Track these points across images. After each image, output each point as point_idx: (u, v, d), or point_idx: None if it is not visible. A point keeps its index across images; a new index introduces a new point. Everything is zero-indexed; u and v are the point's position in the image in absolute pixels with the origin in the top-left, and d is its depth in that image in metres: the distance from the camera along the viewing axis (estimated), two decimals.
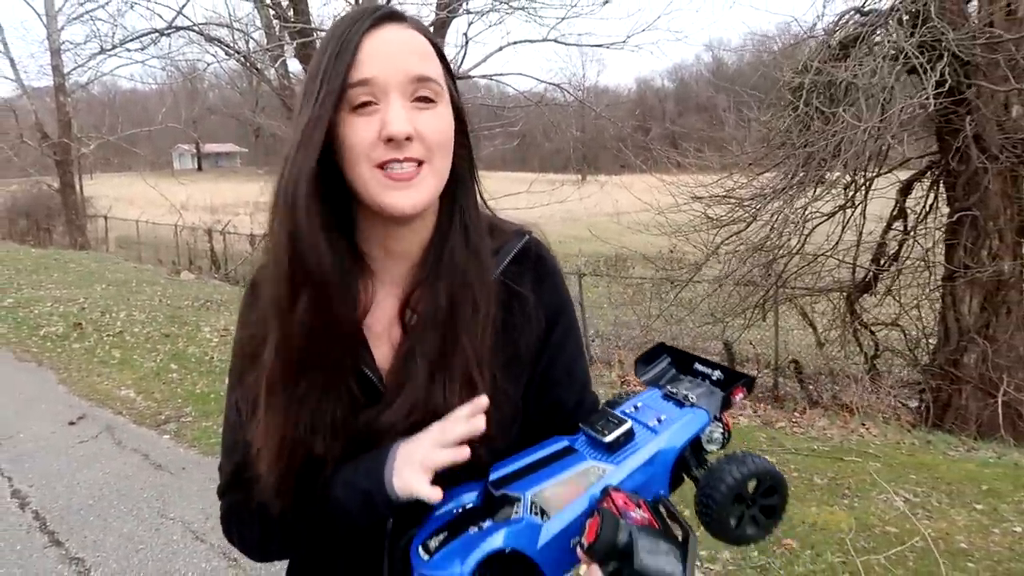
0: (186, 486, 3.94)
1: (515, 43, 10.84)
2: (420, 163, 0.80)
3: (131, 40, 11.56)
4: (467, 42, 9.72)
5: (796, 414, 6.30)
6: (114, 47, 11.89)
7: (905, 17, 6.10)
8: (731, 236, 7.36)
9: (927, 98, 5.51)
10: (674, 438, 0.80)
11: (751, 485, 0.77)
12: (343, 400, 0.84)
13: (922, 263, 6.98)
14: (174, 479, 4.03)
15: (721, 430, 0.84)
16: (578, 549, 0.73)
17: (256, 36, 12.60)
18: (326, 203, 0.81)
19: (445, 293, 0.86)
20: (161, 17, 11.15)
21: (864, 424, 5.61)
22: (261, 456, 0.84)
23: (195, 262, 17.40)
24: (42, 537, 3.37)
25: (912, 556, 3.11)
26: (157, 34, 11.27)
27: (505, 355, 0.89)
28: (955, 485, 3.90)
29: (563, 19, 10.34)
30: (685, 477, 0.83)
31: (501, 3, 10.11)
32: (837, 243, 7.19)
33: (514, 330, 0.91)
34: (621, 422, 0.81)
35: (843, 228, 7.17)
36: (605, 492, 0.76)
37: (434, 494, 0.76)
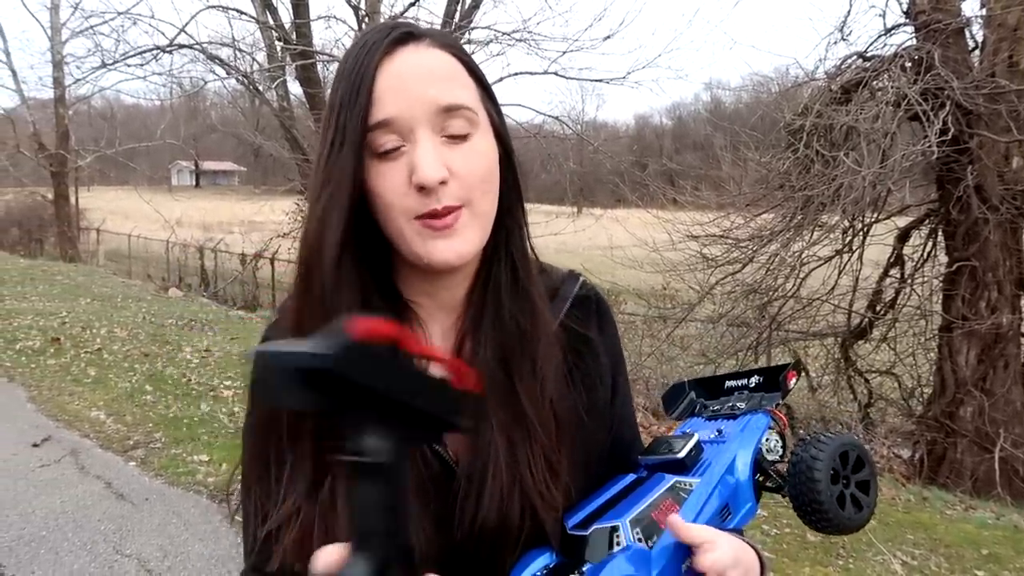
0: (147, 519, 3.73)
1: (515, 74, 10.82)
2: (460, 207, 0.68)
3: (132, 55, 11.55)
4: None
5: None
6: (115, 61, 11.88)
7: (908, 64, 6.06)
8: (726, 276, 7.24)
9: (930, 146, 5.43)
10: (745, 441, 0.76)
11: (841, 460, 0.73)
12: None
13: (918, 312, 6.87)
14: (135, 510, 3.82)
15: (777, 438, 0.79)
16: None
17: (259, 57, 12.59)
18: (361, 260, 0.69)
19: (494, 348, 0.73)
20: (163, 34, 11.11)
21: None
22: (297, 546, 0.67)
23: (185, 279, 17.22)
24: None
25: None
26: (158, 51, 11.25)
27: (587, 403, 0.78)
28: (954, 548, 3.73)
29: (564, 53, 10.33)
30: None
31: (503, 35, 10.09)
32: (833, 288, 7.07)
33: (588, 376, 0.80)
34: (687, 437, 0.76)
35: (839, 273, 7.06)
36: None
37: None
